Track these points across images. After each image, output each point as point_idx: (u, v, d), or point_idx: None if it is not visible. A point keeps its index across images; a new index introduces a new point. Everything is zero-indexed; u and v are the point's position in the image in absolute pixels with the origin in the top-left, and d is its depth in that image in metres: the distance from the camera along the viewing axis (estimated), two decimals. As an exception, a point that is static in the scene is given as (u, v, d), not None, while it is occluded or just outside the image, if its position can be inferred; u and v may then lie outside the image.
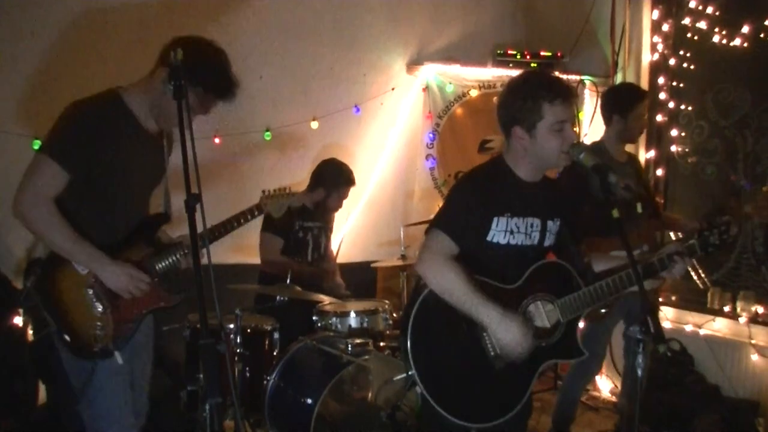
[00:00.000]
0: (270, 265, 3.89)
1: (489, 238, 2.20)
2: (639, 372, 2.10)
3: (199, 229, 1.81)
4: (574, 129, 2.22)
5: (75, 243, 2.10)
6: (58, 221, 2.09)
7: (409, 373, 2.13)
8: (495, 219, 2.19)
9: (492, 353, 2.15)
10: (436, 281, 2.13)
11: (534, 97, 2.14)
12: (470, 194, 2.22)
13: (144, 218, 2.36)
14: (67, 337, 2.14)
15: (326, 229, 4.21)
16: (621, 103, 3.44)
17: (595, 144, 3.72)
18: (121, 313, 2.20)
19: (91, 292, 2.16)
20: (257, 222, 3.98)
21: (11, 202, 2.11)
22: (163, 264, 2.32)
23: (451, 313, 2.13)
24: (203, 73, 2.13)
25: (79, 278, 2.15)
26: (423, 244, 2.21)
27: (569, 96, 2.17)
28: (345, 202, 4.26)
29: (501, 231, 2.20)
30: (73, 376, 2.20)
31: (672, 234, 4.05)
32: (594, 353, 3.52)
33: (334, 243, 4.53)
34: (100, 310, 2.16)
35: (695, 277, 3.49)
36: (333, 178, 4.02)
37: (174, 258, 2.33)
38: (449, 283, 2.10)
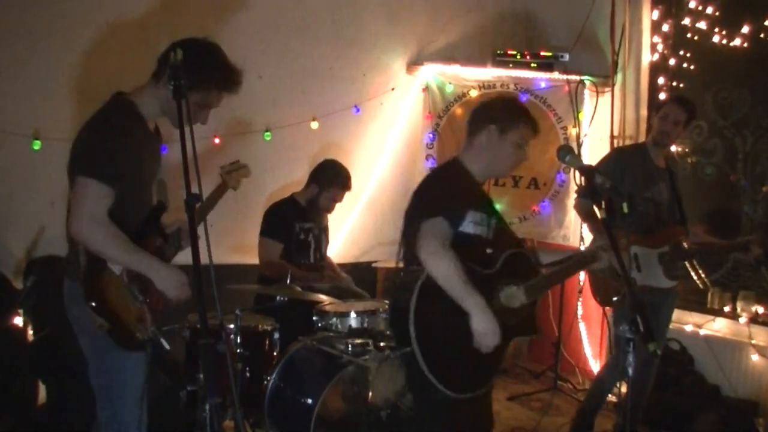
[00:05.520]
0: (268, 268, 3.89)
1: (461, 229, 2.36)
2: (629, 371, 2.12)
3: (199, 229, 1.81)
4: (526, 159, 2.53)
5: (133, 254, 2.15)
6: (116, 238, 2.12)
7: (407, 349, 2.23)
8: (469, 211, 2.37)
9: None
10: (437, 268, 2.24)
11: (516, 112, 2.50)
12: (452, 185, 2.44)
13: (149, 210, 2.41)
14: (119, 334, 2.16)
15: (325, 229, 4.20)
16: (657, 103, 3.71)
17: (638, 144, 3.79)
18: (154, 303, 2.25)
19: (129, 289, 2.19)
20: (258, 223, 4.00)
21: (66, 224, 2.13)
22: (173, 251, 2.43)
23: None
24: (207, 70, 2.19)
25: (117, 278, 2.17)
26: (423, 231, 2.30)
27: (537, 131, 2.53)
28: (345, 202, 4.24)
29: (471, 222, 2.37)
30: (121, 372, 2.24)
31: (685, 244, 4.03)
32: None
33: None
34: (138, 303, 2.20)
35: (695, 278, 3.48)
36: (328, 177, 4.00)
37: (177, 245, 2.43)
38: (449, 270, 2.23)
